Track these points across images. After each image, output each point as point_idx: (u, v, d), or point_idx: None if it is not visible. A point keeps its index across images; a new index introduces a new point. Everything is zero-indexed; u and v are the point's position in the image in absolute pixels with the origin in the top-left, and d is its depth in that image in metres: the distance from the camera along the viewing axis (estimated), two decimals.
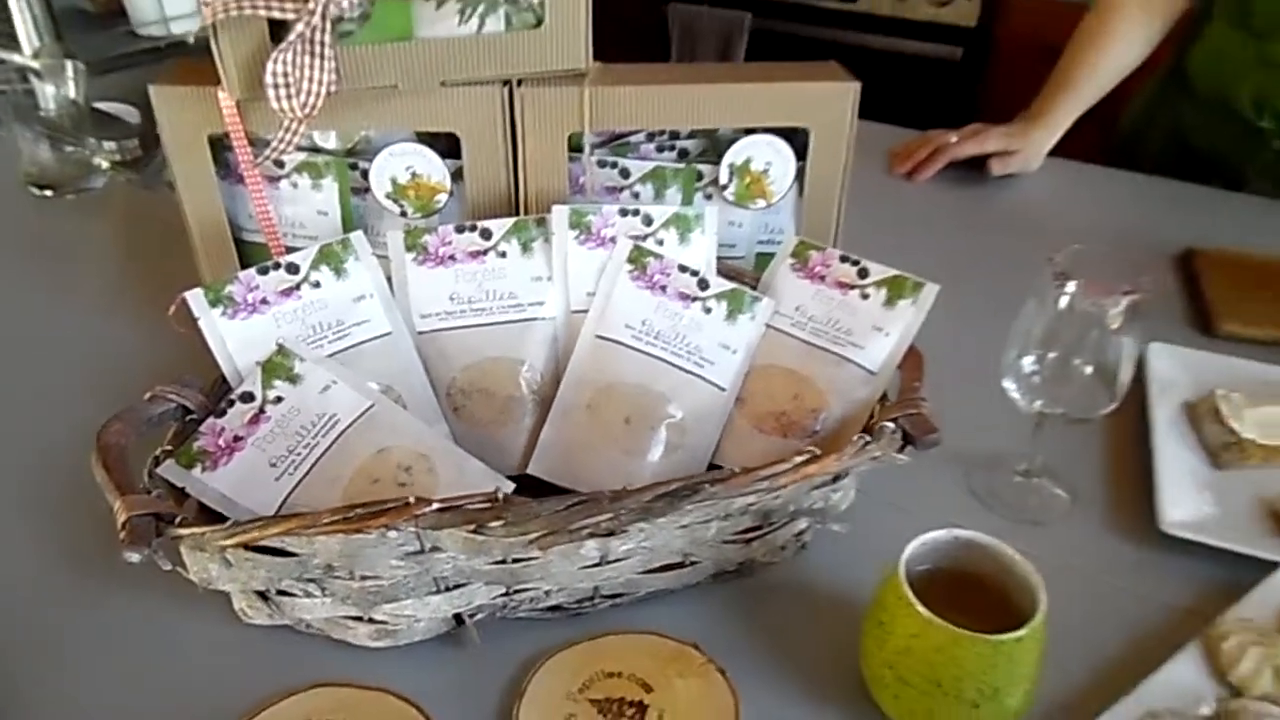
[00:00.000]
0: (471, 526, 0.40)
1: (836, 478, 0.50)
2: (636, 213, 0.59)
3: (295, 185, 0.62)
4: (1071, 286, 0.52)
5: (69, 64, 1.03)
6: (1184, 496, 0.58)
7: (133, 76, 1.23)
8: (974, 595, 0.44)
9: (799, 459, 0.45)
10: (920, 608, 0.41)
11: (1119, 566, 0.56)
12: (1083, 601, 0.52)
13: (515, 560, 0.45)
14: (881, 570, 0.44)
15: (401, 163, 0.60)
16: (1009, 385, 0.56)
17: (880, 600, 0.44)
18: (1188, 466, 0.61)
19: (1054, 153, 1.06)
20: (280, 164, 0.61)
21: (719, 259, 0.62)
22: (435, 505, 0.40)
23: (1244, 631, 0.48)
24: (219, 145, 0.60)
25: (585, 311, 0.59)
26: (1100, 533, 0.58)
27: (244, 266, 0.57)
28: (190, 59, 0.60)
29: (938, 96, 1.99)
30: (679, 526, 0.46)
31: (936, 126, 1.06)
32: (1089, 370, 0.54)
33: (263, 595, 0.47)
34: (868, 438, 0.48)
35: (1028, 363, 0.56)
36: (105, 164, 1.01)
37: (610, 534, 0.44)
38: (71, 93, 1.04)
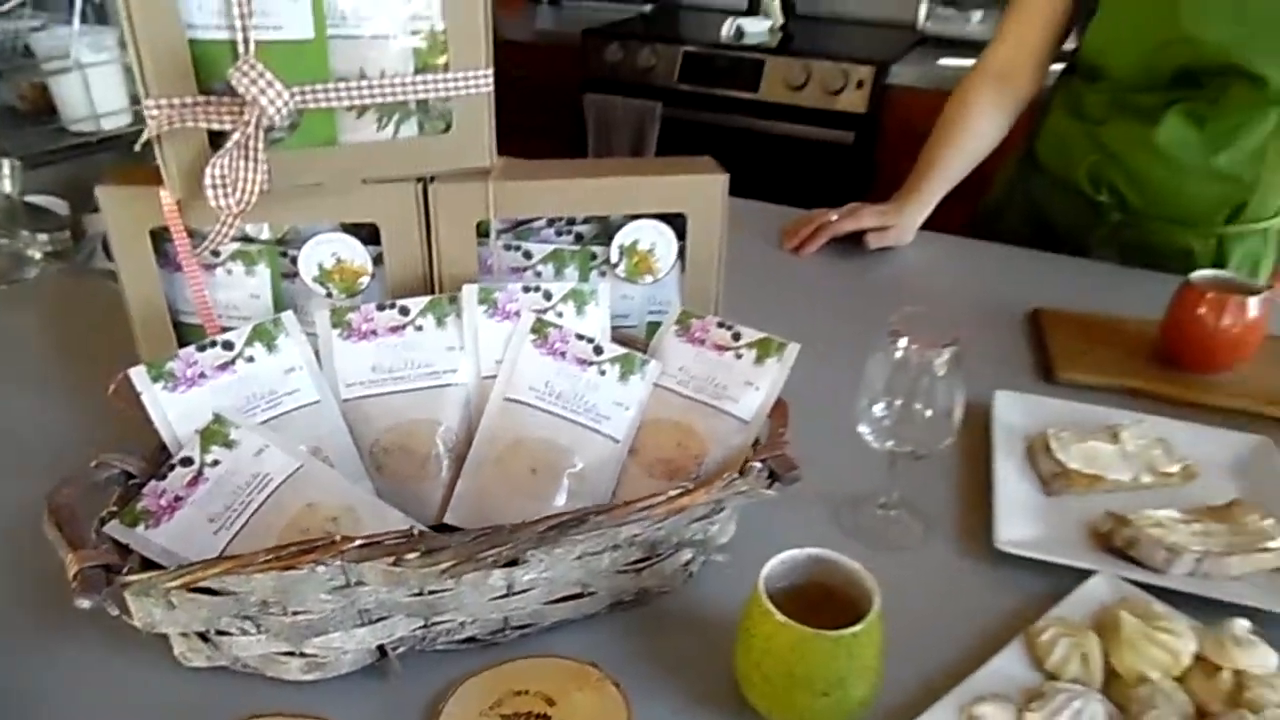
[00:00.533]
0: (391, 559, 0.47)
1: (714, 512, 0.58)
2: (538, 289, 0.68)
3: (230, 272, 0.68)
4: (903, 342, 0.61)
5: (4, 161, 1.08)
6: (1018, 520, 0.68)
7: (61, 170, 1.29)
8: (826, 604, 0.51)
9: (673, 492, 0.53)
10: (775, 613, 0.48)
11: (962, 581, 0.64)
12: (930, 612, 0.61)
13: (431, 592, 0.51)
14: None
15: (327, 250, 0.68)
16: (863, 429, 0.65)
17: (747, 611, 0.51)
18: (1023, 494, 0.71)
19: (926, 227, 1.19)
20: (216, 254, 0.68)
21: (613, 328, 0.70)
22: (358, 542, 0.46)
23: (1058, 627, 0.56)
24: (159, 237, 0.66)
25: (494, 377, 0.66)
26: (948, 554, 0.67)
27: (181, 346, 0.63)
28: (127, 161, 0.67)
29: (834, 176, 2.15)
30: (575, 558, 0.53)
31: (835, 203, 1.18)
32: (928, 412, 0.64)
33: (203, 636, 0.52)
34: (736, 475, 0.56)
35: (878, 409, 0.65)
36: (38, 255, 1.06)
37: (513, 563, 0.51)
38: (6, 188, 1.09)
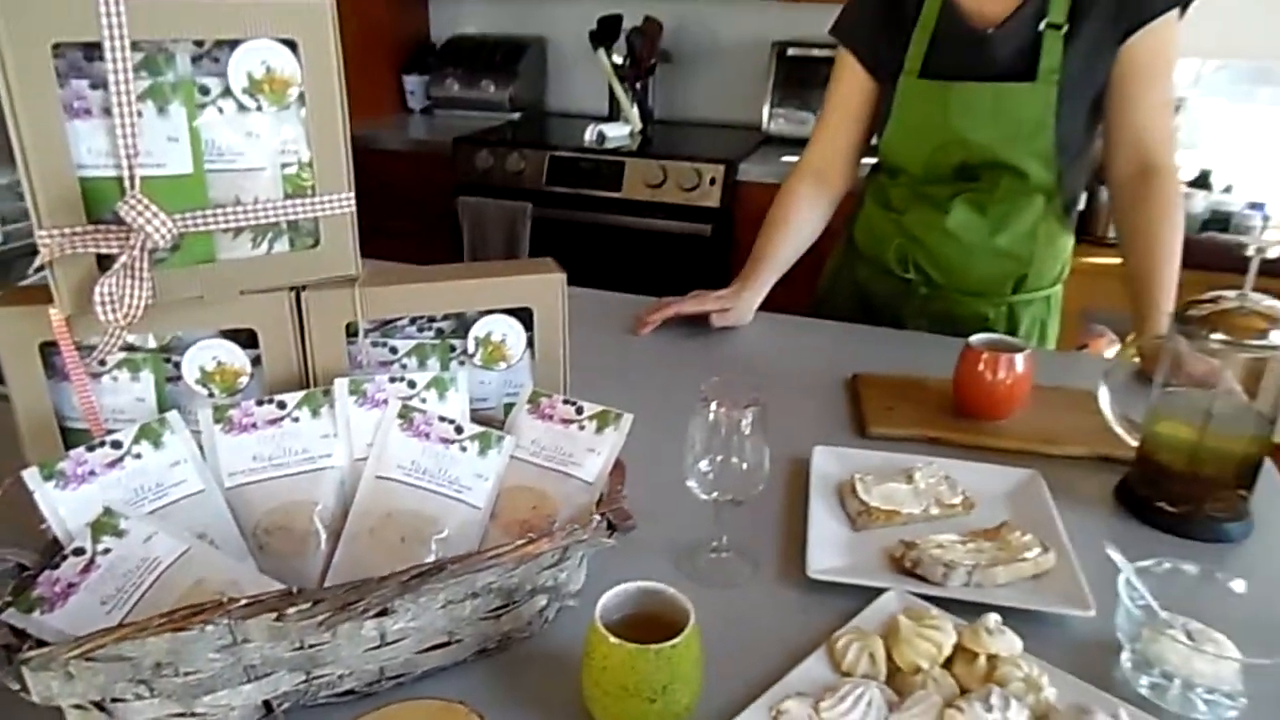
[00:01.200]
0: (274, 615, 0.54)
1: (562, 559, 0.68)
2: (404, 380, 0.77)
3: (115, 379, 0.75)
4: (713, 405, 0.73)
5: None
6: (827, 552, 0.79)
7: None
8: (654, 627, 0.61)
9: (520, 542, 0.62)
10: (607, 635, 0.58)
11: (781, 607, 0.75)
12: (753, 635, 0.71)
13: (311, 645, 0.58)
14: None
15: (209, 354, 0.75)
16: (691, 483, 0.77)
17: (587, 638, 0.60)
18: (833, 531, 0.83)
19: (775, 309, 1.34)
20: (103, 363, 0.74)
21: (472, 410, 0.80)
22: (244, 601, 0.54)
23: (852, 635, 0.68)
24: (47, 350, 0.73)
25: (365, 459, 0.74)
26: (771, 585, 0.78)
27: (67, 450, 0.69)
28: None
29: (693, 266, 2.32)
30: (440, 606, 0.61)
31: (694, 289, 1.32)
32: (743, 465, 0.75)
33: (99, 705, 0.57)
34: (576, 527, 0.66)
35: (702, 465, 0.76)
36: None
37: (384, 613, 0.59)
38: None
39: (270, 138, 0.71)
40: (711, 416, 0.74)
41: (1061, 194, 1.26)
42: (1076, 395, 1.06)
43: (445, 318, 0.83)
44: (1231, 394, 0.83)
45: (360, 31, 2.71)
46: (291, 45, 0.69)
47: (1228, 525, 0.86)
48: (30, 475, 0.65)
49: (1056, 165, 1.22)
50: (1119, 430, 0.93)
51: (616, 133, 2.57)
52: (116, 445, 0.69)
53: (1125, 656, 0.68)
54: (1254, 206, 2.39)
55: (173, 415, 0.71)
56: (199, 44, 0.68)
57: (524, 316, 0.83)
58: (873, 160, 1.40)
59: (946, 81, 1.22)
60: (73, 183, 0.65)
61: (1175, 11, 1.15)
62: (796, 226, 1.35)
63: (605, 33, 2.61)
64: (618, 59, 2.65)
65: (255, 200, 0.71)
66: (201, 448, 0.72)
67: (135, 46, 0.65)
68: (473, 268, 0.83)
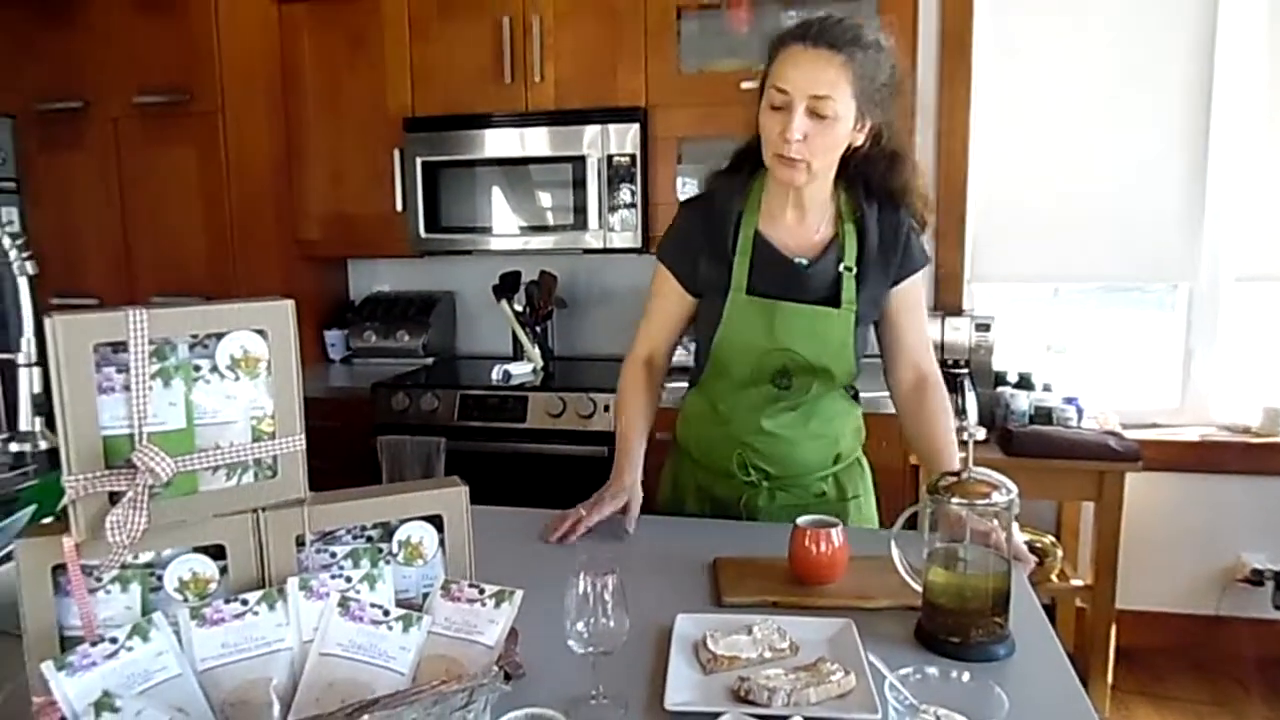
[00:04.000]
0: None
1: (469, 702, 0.88)
2: (343, 576, 0.99)
3: (109, 592, 0.94)
4: (582, 576, 0.97)
5: None
6: (682, 690, 1.01)
7: None
8: None
9: (435, 684, 0.83)
10: None
11: None
12: None
13: None
14: None
15: (186, 566, 0.96)
16: (572, 643, 0.99)
17: None
18: (687, 675, 1.05)
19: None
20: (100, 579, 0.94)
21: (397, 598, 1.01)
22: None
23: None
24: (57, 571, 0.92)
25: (311, 640, 0.95)
26: (637, 717, 0.98)
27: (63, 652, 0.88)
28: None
29: (591, 484, 2.57)
30: None
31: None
32: (610, 623, 0.98)
33: None
34: (478, 674, 0.87)
35: (580, 626, 0.99)
36: None
37: None
38: None
39: (244, 399, 0.97)
40: (581, 586, 0.97)
41: (852, 384, 1.62)
42: (889, 561, 1.33)
43: (374, 526, 1.06)
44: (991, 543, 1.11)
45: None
46: (262, 333, 0.97)
47: (992, 647, 1.11)
48: (46, 667, 0.84)
49: (853, 369, 1.57)
50: (908, 580, 1.20)
51: (520, 370, 2.90)
52: (113, 641, 0.88)
53: None
54: (1068, 401, 2.82)
55: (156, 615, 0.91)
56: (195, 336, 0.94)
57: (436, 522, 1.07)
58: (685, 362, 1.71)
59: (771, 300, 1.51)
60: (97, 440, 0.89)
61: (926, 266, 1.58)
62: (646, 404, 1.65)
63: (507, 286, 3.01)
64: (518, 307, 3.03)
65: (230, 444, 0.96)
66: (180, 640, 0.91)
67: (150, 341, 0.91)
68: (393, 487, 1.07)
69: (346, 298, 3.42)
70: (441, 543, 1.07)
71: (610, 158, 2.76)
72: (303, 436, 1.01)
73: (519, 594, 0.99)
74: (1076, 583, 2.70)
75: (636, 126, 2.73)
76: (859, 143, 1.46)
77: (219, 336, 0.95)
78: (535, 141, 2.82)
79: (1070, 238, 2.99)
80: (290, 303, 0.99)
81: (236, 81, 2.80)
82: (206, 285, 2.84)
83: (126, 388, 0.90)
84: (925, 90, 2.89)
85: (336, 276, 3.39)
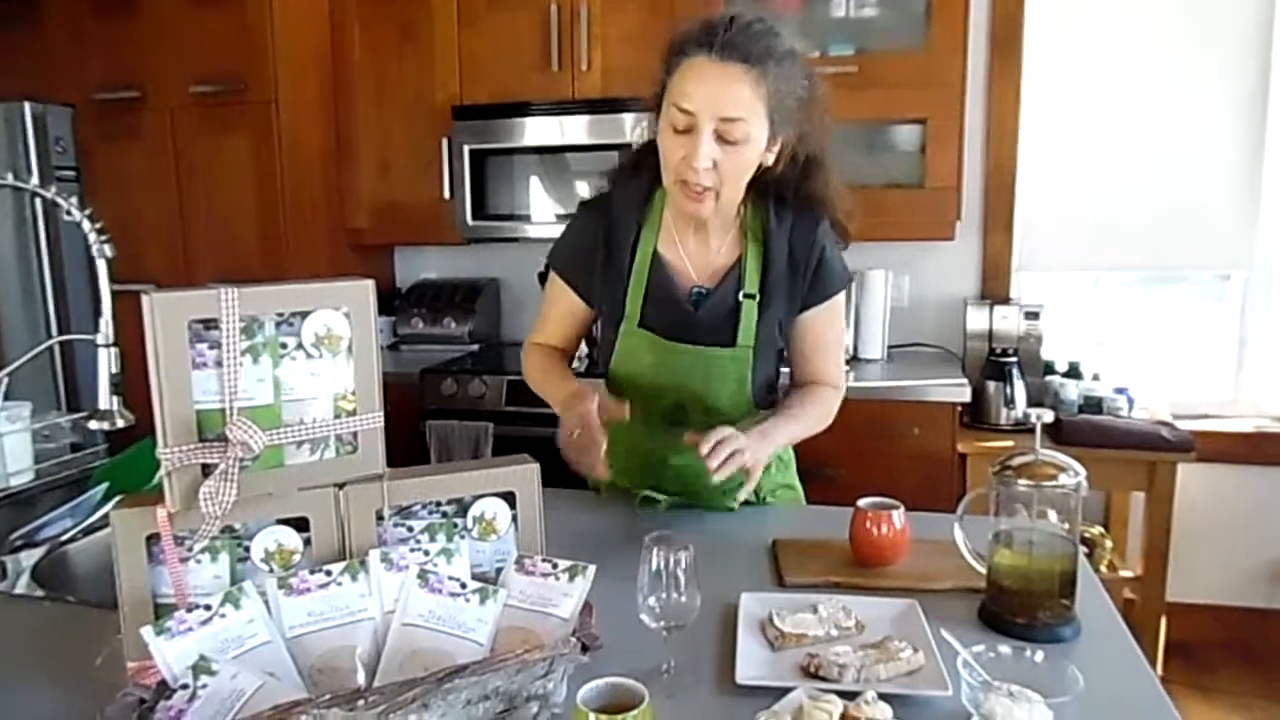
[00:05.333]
0: (349, 706, 0.76)
1: (549, 671, 0.90)
2: (421, 549, 1.01)
3: (199, 561, 0.98)
4: (656, 552, 0.99)
5: None
6: (751, 665, 1.02)
7: None
8: (622, 713, 0.83)
9: (519, 653, 0.85)
10: (585, 710, 0.80)
11: (718, 707, 0.97)
12: None
13: None
14: None
15: (272, 538, 0.99)
16: (644, 617, 1.00)
17: (574, 717, 0.82)
18: (755, 651, 1.06)
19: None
20: (191, 548, 0.97)
21: (472, 571, 1.04)
22: (326, 697, 0.75)
23: (769, 714, 0.90)
24: (150, 542, 0.96)
25: (393, 611, 0.97)
26: (709, 692, 1.00)
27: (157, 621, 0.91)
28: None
29: None
30: (462, 705, 0.83)
31: None
32: (682, 598, 1.00)
33: None
34: (559, 644, 0.89)
35: (652, 601, 1.00)
36: None
37: (424, 707, 0.80)
38: None
39: (327, 376, 0.99)
40: (655, 561, 0.99)
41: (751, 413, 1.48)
42: (948, 545, 1.33)
43: (449, 502, 1.08)
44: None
45: None
46: (344, 313, 1.00)
47: (1059, 629, 1.11)
48: (146, 632, 0.87)
49: (751, 401, 1.48)
50: (972, 562, 1.20)
51: None
52: (207, 608, 0.91)
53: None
54: (1119, 390, 2.79)
55: (247, 584, 0.94)
56: (280, 314, 0.97)
57: (508, 499, 1.09)
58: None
59: (662, 340, 1.42)
60: (191, 414, 0.92)
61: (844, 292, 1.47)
62: (557, 357, 1.56)
63: None
64: None
65: (314, 420, 0.99)
66: (269, 608, 0.94)
67: (239, 319, 0.94)
68: (467, 464, 1.10)
69: (393, 285, 3.47)
70: (514, 518, 1.09)
71: None
72: (381, 414, 1.04)
73: (592, 569, 1.01)
74: (1126, 574, 2.68)
75: None
76: (770, 162, 1.33)
77: (304, 315, 0.98)
78: (581, 129, 2.83)
79: (1121, 227, 2.95)
80: (370, 283, 1.02)
81: (290, 72, 2.84)
82: (260, 272, 2.89)
83: (218, 364, 0.93)
84: (975, 81, 2.86)
85: (384, 264, 3.43)
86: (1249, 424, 2.90)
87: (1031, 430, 1.16)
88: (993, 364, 2.72)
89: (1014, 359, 2.71)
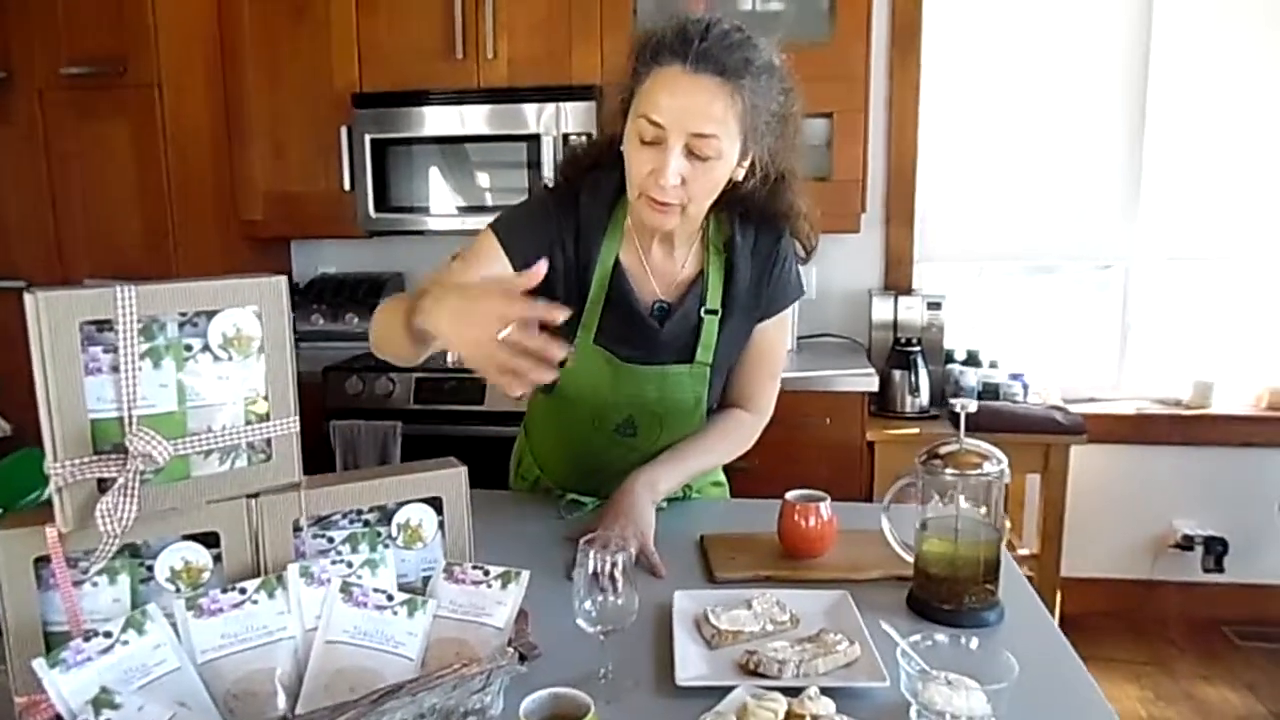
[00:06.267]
0: None
1: (486, 685, 0.86)
2: (343, 561, 0.96)
3: (95, 584, 0.90)
4: (592, 554, 0.96)
5: None
6: (690, 665, 1.01)
7: None
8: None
9: (456, 667, 0.81)
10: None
11: (658, 710, 0.95)
12: None
13: None
14: None
15: (178, 555, 0.92)
16: (580, 621, 0.97)
17: None
18: (693, 651, 1.05)
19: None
20: (86, 570, 0.89)
21: (398, 582, 0.99)
22: None
23: (712, 716, 0.88)
24: (38, 564, 0.87)
25: (315, 629, 0.91)
26: (649, 695, 0.98)
27: (48, 652, 0.83)
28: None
29: None
30: None
31: None
32: (620, 601, 0.97)
33: None
34: (496, 656, 0.85)
35: (588, 604, 0.97)
36: None
37: None
38: None
39: (236, 379, 0.92)
40: (592, 564, 0.96)
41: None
42: (873, 534, 1.34)
43: (370, 510, 1.03)
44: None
45: None
46: (255, 311, 0.93)
47: (984, 613, 1.14)
48: (38, 665, 0.79)
49: (704, 417, 1.47)
50: (900, 552, 1.22)
51: None
52: (108, 635, 0.83)
53: (913, 710, 0.92)
54: (1014, 377, 2.90)
55: (151, 607, 0.87)
56: (184, 314, 0.90)
57: (434, 504, 1.04)
58: None
59: (617, 358, 1.37)
60: (85, 424, 0.84)
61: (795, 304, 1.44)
62: None
63: None
64: None
65: (223, 428, 0.92)
66: (177, 632, 0.87)
67: (137, 320, 0.86)
68: (390, 469, 1.04)
69: (290, 280, 3.31)
70: (441, 525, 1.05)
71: (566, 137, 2.72)
72: (297, 418, 0.97)
73: (525, 574, 0.98)
74: (1023, 552, 2.80)
75: (592, 105, 2.70)
76: (740, 178, 1.28)
77: (210, 315, 0.91)
78: (488, 120, 2.76)
79: (1011, 220, 3.08)
80: (283, 279, 0.95)
81: (174, 52, 2.67)
82: (143, 268, 2.72)
83: (114, 369, 0.85)
84: (876, 76, 2.92)
85: (279, 258, 3.28)
86: (1131, 406, 3.06)
87: (935, 418, 1.18)
88: (898, 353, 2.79)
89: (918, 348, 2.79)
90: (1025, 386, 2.86)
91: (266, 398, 0.95)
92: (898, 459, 2.65)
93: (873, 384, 2.55)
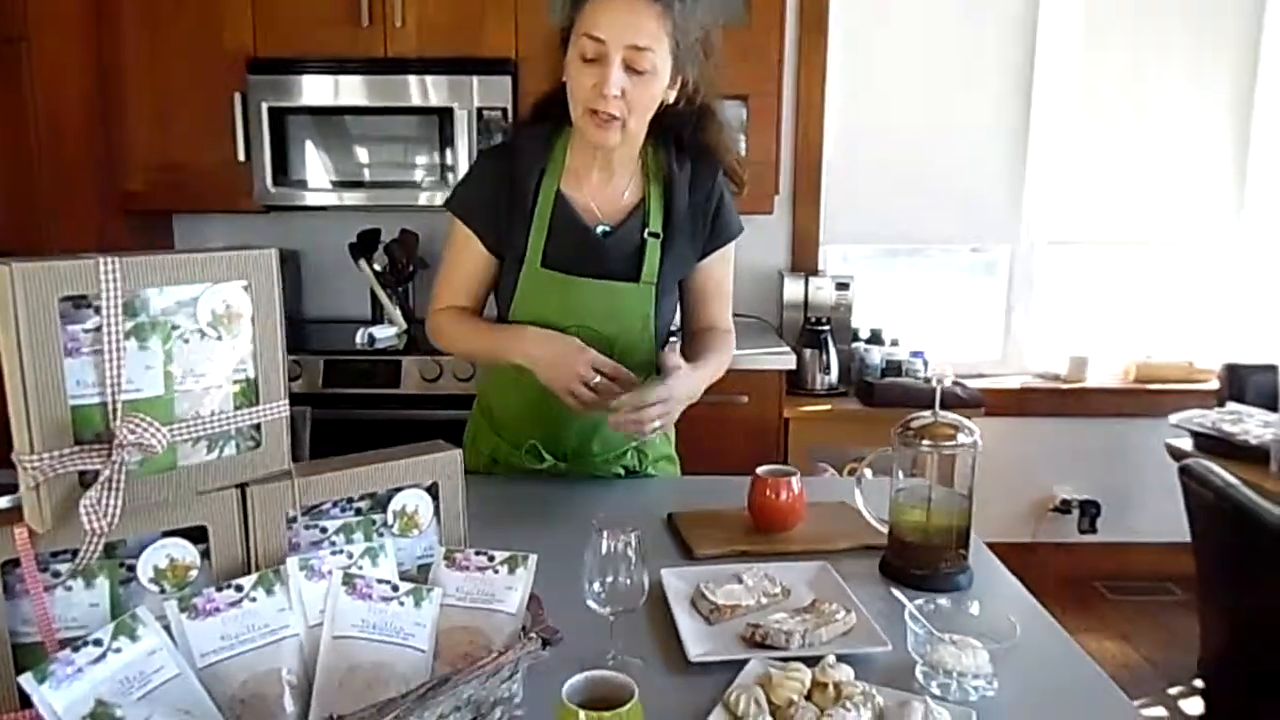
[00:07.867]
0: None
1: (514, 673, 0.83)
2: (343, 552, 0.90)
3: (69, 589, 0.81)
4: (605, 535, 0.94)
5: None
6: (697, 641, 1.01)
7: None
8: (610, 705, 0.79)
9: (492, 657, 0.78)
10: (571, 707, 0.75)
11: (675, 686, 0.95)
12: (659, 709, 0.89)
13: None
14: None
15: (162, 553, 0.84)
16: (591, 603, 0.96)
17: (559, 715, 0.76)
18: (694, 627, 1.05)
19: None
20: (57, 574, 0.81)
21: (399, 572, 0.94)
22: None
23: (740, 689, 0.89)
24: (4, 569, 0.78)
25: (320, 625, 0.86)
26: (663, 673, 0.97)
27: (18, 666, 0.75)
28: None
29: None
30: (437, 718, 0.75)
31: None
32: (631, 582, 0.96)
33: None
34: (523, 643, 0.83)
35: (597, 586, 0.96)
36: None
37: None
38: None
39: (225, 360, 0.85)
40: (604, 545, 0.94)
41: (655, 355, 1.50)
42: (839, 506, 1.38)
43: (361, 498, 0.97)
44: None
45: None
46: (245, 286, 0.86)
47: (957, 577, 1.19)
48: (26, 680, 0.71)
49: (654, 347, 1.50)
50: (874, 523, 1.26)
51: (384, 334, 2.74)
52: (97, 643, 0.76)
53: (919, 669, 0.95)
54: (915, 354, 3.03)
55: (142, 610, 0.79)
56: (170, 289, 0.82)
57: (432, 489, 0.99)
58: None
59: (566, 275, 1.41)
60: (66, 412, 0.75)
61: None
62: (473, 316, 1.51)
63: (365, 245, 2.83)
64: (378, 267, 2.86)
65: (212, 413, 0.85)
66: (171, 636, 0.80)
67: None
68: (382, 454, 0.99)
69: None
70: (436, 511, 1.00)
71: (480, 111, 2.64)
72: (287, 401, 0.91)
73: (533, 558, 0.95)
74: None
75: (509, 79, 2.63)
76: (670, 100, 1.39)
77: (198, 291, 0.83)
78: (397, 91, 2.65)
79: (910, 204, 3.20)
80: (274, 251, 0.89)
81: (42, 5, 2.43)
82: (9, 242, 2.47)
83: (96, 350, 0.77)
84: (787, 59, 2.97)
85: (160, 233, 3.05)
86: (1016, 381, 3.26)
87: (844, 394, 1.22)
88: (809, 333, 2.87)
89: (827, 327, 2.88)
90: (926, 363, 3.00)
91: (255, 380, 0.88)
92: (811, 434, 2.73)
93: (790, 362, 2.61)
